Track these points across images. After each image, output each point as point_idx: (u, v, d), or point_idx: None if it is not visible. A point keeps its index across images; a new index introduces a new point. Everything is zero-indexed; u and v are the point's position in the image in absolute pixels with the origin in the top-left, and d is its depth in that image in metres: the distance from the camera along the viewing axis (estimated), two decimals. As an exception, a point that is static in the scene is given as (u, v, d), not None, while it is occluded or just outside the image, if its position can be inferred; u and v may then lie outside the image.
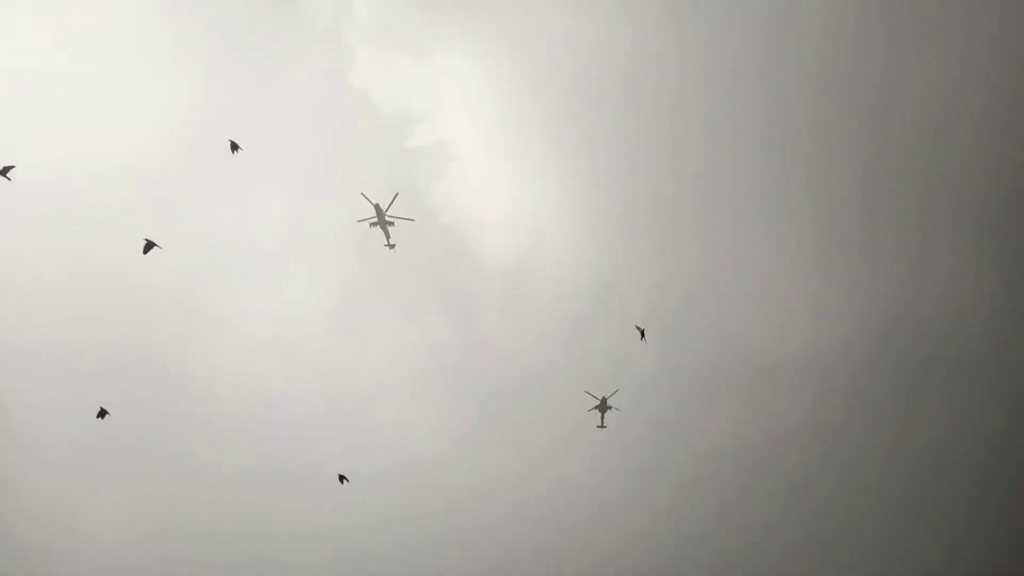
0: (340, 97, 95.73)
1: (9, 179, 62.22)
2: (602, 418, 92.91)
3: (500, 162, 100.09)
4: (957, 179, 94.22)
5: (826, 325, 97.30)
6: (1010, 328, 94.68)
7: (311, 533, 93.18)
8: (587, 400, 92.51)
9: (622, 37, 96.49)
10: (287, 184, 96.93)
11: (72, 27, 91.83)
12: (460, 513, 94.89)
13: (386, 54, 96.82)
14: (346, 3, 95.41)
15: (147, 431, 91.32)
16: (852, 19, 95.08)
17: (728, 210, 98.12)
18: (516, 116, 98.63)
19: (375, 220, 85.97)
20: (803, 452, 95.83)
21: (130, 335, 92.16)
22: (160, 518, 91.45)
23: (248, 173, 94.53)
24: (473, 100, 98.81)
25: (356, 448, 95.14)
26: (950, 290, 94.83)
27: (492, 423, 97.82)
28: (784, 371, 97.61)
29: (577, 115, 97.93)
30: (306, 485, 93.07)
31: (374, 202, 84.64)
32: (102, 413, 71.85)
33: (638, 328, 76.96)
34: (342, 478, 76.41)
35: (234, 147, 69.22)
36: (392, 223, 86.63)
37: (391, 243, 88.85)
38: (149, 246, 65.80)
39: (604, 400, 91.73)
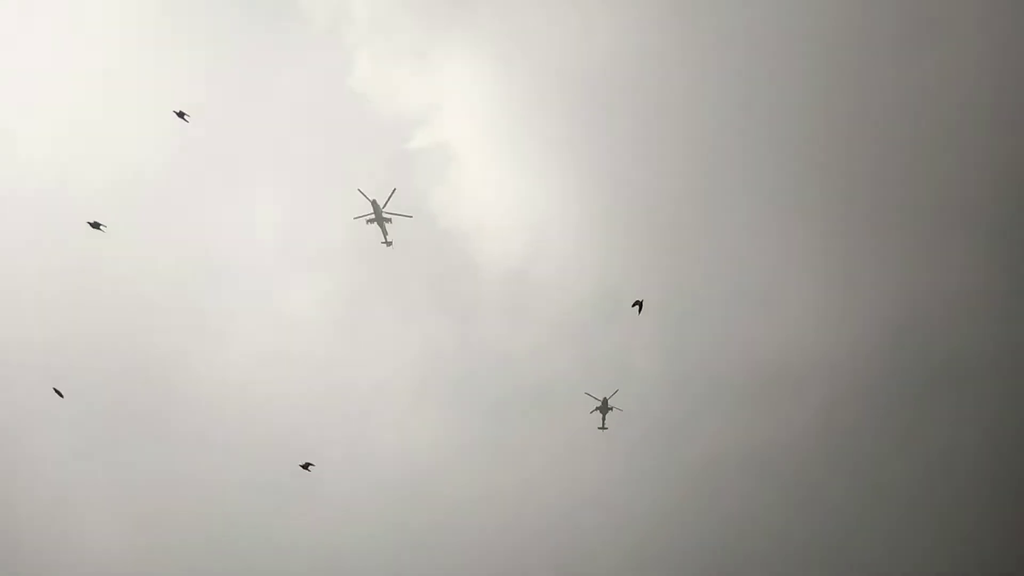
0: (339, 100, 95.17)
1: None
2: (603, 419, 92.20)
3: (501, 165, 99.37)
4: (968, 182, 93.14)
5: (834, 329, 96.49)
6: (1021, 332, 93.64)
7: (311, 543, 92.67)
8: (590, 406, 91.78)
9: (624, 39, 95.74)
10: (285, 188, 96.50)
11: (69, 30, 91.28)
12: (462, 522, 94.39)
13: (386, 56, 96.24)
14: (345, 5, 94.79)
15: (144, 440, 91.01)
16: (859, 19, 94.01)
17: (734, 213, 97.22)
18: (517, 118, 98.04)
19: (372, 217, 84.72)
20: (811, 458, 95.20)
21: (126, 341, 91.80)
22: (157, 527, 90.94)
23: (246, 177, 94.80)
24: (473, 102, 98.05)
25: (356, 456, 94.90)
26: (960, 294, 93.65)
27: (494, 430, 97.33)
28: (791, 376, 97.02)
29: (579, 117, 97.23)
30: (306, 494, 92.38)
31: (371, 198, 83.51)
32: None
33: (637, 303, 74.49)
34: (307, 465, 75.42)
35: (180, 115, 68.05)
36: (389, 220, 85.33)
37: (388, 240, 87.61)
38: (95, 226, 64.82)
39: (605, 401, 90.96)
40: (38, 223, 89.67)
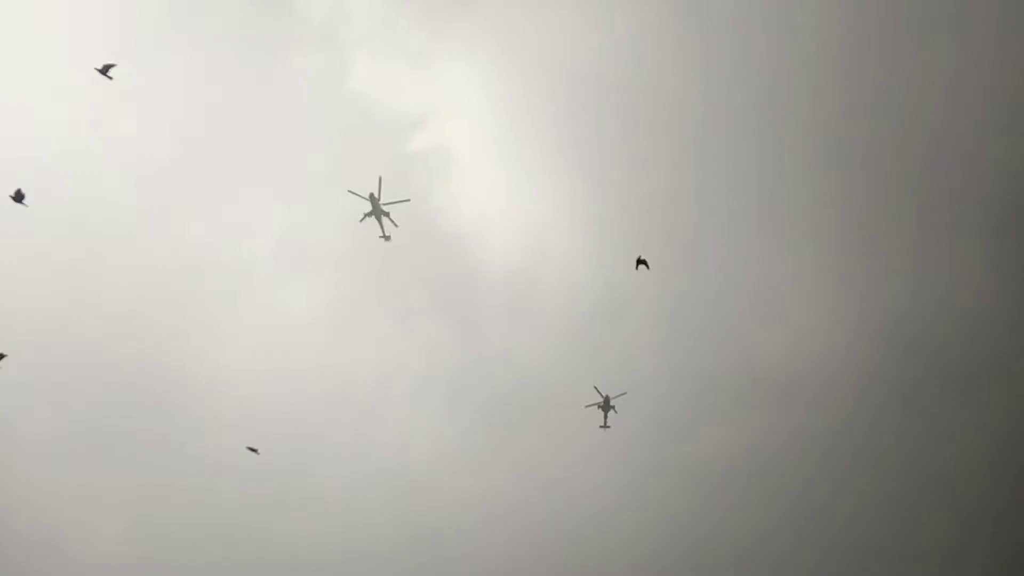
0: (337, 101, 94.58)
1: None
2: (605, 418, 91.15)
3: (501, 166, 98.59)
4: (975, 188, 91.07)
5: (840, 337, 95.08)
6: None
7: (308, 545, 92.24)
8: (592, 412, 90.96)
9: (624, 40, 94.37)
10: (282, 190, 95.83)
11: (66, 31, 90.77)
12: (461, 525, 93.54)
13: (384, 57, 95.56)
14: (343, 6, 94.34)
15: (141, 441, 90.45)
16: (868, 20, 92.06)
17: (739, 217, 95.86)
18: (517, 119, 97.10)
19: (370, 210, 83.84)
20: (815, 465, 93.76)
21: (120, 344, 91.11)
22: (151, 530, 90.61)
23: (243, 179, 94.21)
24: (473, 103, 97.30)
25: (355, 460, 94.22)
26: (969, 300, 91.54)
27: (493, 434, 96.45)
28: (796, 382, 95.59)
29: (581, 118, 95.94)
30: (303, 495, 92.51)
31: (364, 195, 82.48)
32: None
33: (638, 261, 72.32)
34: (252, 450, 75.17)
35: (105, 70, 67.38)
36: (387, 212, 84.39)
37: (386, 235, 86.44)
38: (19, 196, 64.05)
39: (607, 399, 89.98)
40: (31, 225, 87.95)
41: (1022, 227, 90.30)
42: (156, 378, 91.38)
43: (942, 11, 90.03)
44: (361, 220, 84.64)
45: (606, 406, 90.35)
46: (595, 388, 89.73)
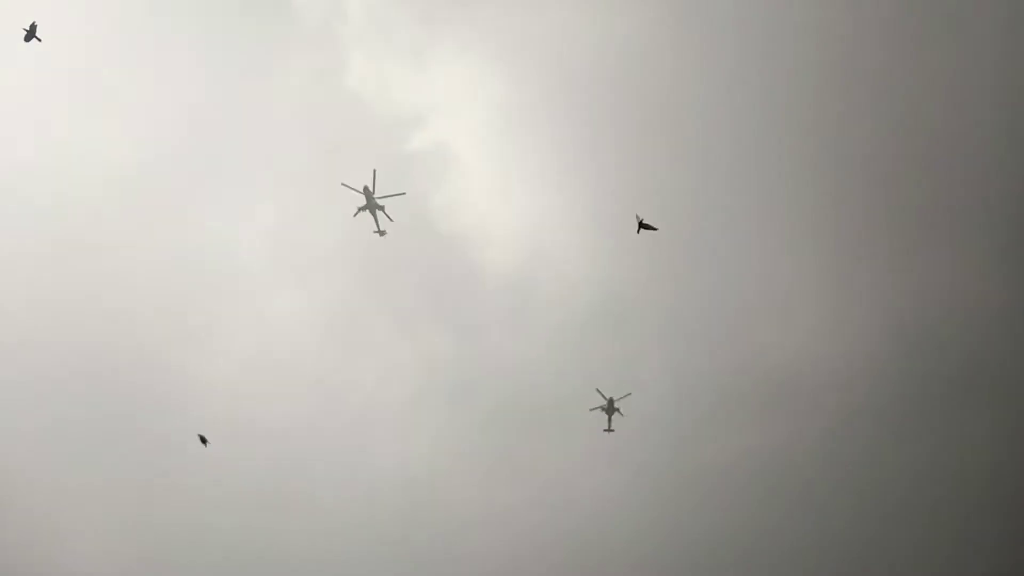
0: (333, 101, 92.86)
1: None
2: (609, 421, 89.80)
3: (500, 168, 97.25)
4: (987, 186, 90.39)
5: (847, 338, 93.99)
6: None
7: (303, 560, 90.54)
8: (596, 420, 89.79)
9: (624, 39, 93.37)
10: (277, 192, 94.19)
11: (57, 29, 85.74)
12: (461, 540, 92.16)
13: (382, 55, 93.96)
14: (339, 3, 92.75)
15: (130, 452, 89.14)
16: (869, 19, 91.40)
17: (745, 218, 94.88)
18: (518, 120, 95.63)
19: (364, 204, 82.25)
20: (823, 471, 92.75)
21: (112, 349, 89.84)
22: (144, 542, 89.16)
23: (237, 180, 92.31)
24: (473, 103, 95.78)
25: (351, 471, 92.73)
26: (979, 301, 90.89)
27: (494, 444, 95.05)
28: (803, 386, 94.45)
29: (583, 119, 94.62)
30: (297, 511, 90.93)
31: (360, 188, 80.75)
32: None
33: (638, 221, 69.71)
34: (203, 439, 72.80)
35: (29, 35, 65.61)
36: (382, 207, 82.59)
37: (381, 230, 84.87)
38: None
39: (611, 401, 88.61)
40: (23, 229, 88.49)
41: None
42: (152, 380, 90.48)
43: (944, 10, 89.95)
44: (355, 215, 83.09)
45: (610, 409, 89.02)
46: (598, 391, 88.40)
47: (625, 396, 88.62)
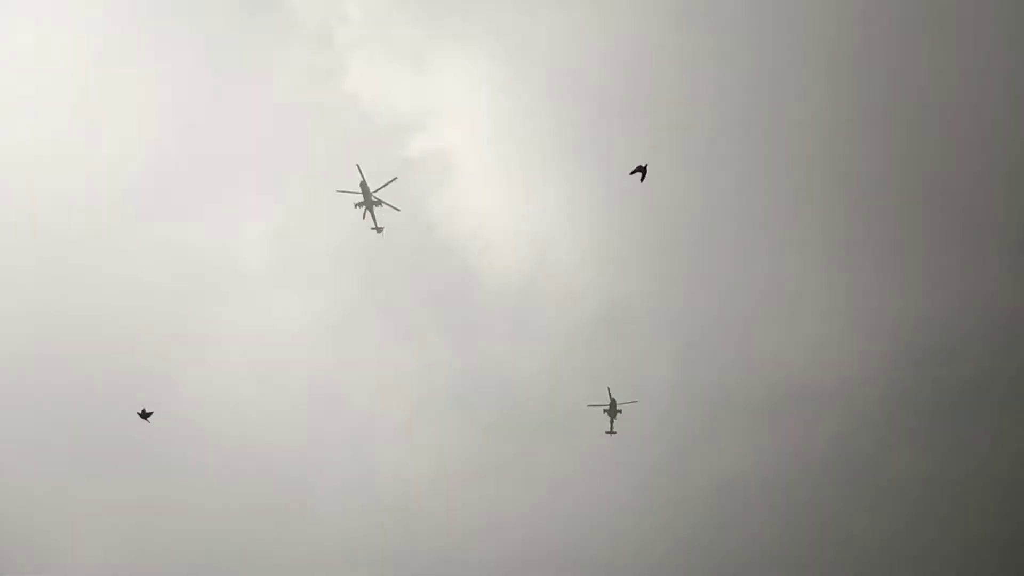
0: (332, 104, 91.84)
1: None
2: (611, 423, 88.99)
3: (503, 173, 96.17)
4: (1002, 192, 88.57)
5: (858, 347, 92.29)
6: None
7: (303, 572, 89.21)
8: (599, 427, 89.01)
9: (628, 42, 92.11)
10: (277, 197, 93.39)
11: (55, 33, 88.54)
12: (463, 551, 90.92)
13: (382, 58, 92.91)
14: (338, 5, 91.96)
15: (128, 462, 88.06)
16: (882, 19, 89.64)
17: (752, 224, 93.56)
18: (518, 124, 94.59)
19: (360, 200, 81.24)
20: (832, 482, 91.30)
21: (109, 359, 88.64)
22: (143, 553, 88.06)
23: (236, 186, 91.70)
24: (474, 107, 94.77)
25: (351, 480, 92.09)
26: (993, 311, 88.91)
27: (496, 453, 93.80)
28: (812, 395, 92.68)
29: (585, 124, 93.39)
30: (296, 522, 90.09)
31: (361, 180, 79.88)
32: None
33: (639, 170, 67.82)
34: (145, 415, 71.27)
35: None
36: (379, 204, 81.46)
37: (379, 227, 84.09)
38: None
39: (614, 403, 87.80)
40: (19, 235, 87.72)
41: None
42: (150, 390, 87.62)
43: (957, 12, 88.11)
44: (358, 207, 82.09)
45: (612, 410, 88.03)
46: (608, 390, 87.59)
47: (631, 402, 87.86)
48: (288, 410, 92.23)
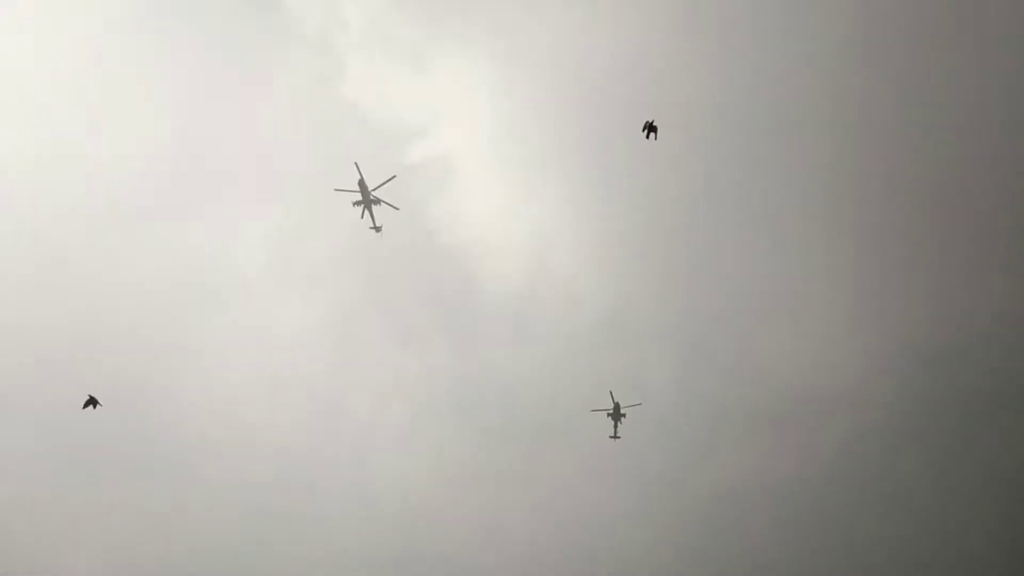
0: (331, 108, 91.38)
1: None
2: (615, 428, 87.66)
3: (504, 177, 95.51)
4: (1012, 191, 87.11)
5: (865, 352, 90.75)
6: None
7: (305, 566, 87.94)
8: (602, 433, 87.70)
9: (630, 44, 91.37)
10: (276, 203, 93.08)
11: (53, 36, 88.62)
12: (464, 556, 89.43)
13: (381, 62, 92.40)
14: (337, 9, 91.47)
15: (127, 470, 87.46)
16: (890, 20, 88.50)
17: (755, 228, 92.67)
18: (518, 126, 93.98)
19: (358, 198, 80.00)
20: (839, 492, 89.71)
21: (107, 366, 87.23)
22: (141, 561, 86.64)
23: (235, 191, 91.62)
24: (475, 112, 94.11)
25: (350, 487, 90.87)
26: (1004, 310, 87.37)
27: (497, 459, 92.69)
28: (817, 403, 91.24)
29: (586, 128, 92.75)
30: (297, 527, 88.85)
31: (359, 176, 78.63)
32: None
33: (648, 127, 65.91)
34: (93, 402, 70.35)
35: None
36: (377, 202, 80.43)
37: (377, 226, 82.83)
38: None
39: (617, 406, 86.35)
40: (18, 245, 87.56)
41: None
42: (140, 404, 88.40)
43: (966, 13, 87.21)
44: (356, 205, 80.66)
45: (616, 414, 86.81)
46: (610, 393, 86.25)
47: (635, 405, 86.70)
48: (288, 415, 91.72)
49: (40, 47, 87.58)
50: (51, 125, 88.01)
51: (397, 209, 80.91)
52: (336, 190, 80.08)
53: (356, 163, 77.95)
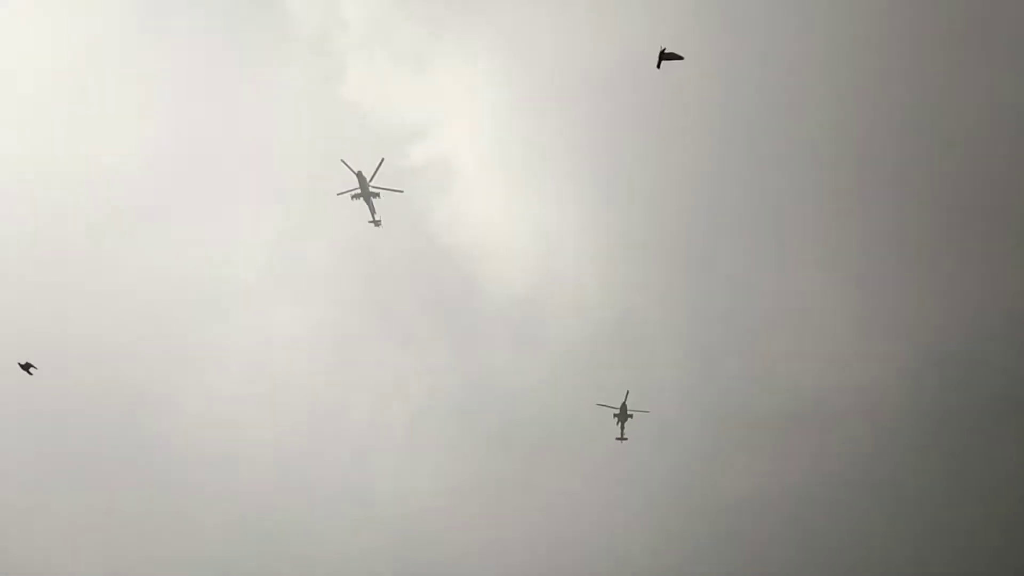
0: (331, 109, 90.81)
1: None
2: (622, 429, 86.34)
3: (506, 180, 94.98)
4: (1017, 193, 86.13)
5: (875, 355, 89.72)
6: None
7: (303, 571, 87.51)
8: (606, 442, 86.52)
9: (634, 45, 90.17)
10: (273, 202, 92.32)
11: (53, 36, 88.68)
12: (463, 564, 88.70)
13: (381, 63, 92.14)
14: (337, 9, 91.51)
15: (123, 480, 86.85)
16: (899, 21, 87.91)
17: (763, 231, 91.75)
18: (523, 130, 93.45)
19: (358, 192, 78.74)
20: (850, 501, 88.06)
21: (105, 374, 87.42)
22: (139, 564, 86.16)
23: (233, 189, 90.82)
24: (476, 113, 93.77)
25: (349, 495, 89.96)
26: (1016, 315, 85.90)
27: (498, 468, 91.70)
28: (828, 404, 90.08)
29: (590, 130, 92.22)
30: (296, 535, 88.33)
31: (356, 169, 77.13)
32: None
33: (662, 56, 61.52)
34: (27, 367, 68.48)
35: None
36: (377, 195, 79.23)
37: (377, 219, 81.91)
38: None
39: (624, 407, 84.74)
40: (16, 252, 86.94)
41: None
42: (138, 413, 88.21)
43: (973, 12, 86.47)
44: (355, 199, 79.60)
45: (623, 415, 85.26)
46: (626, 393, 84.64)
47: (642, 411, 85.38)
48: (288, 420, 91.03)
49: (40, 47, 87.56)
50: (50, 125, 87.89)
51: (401, 192, 79.91)
52: (339, 194, 79.35)
53: (343, 160, 77.01)
